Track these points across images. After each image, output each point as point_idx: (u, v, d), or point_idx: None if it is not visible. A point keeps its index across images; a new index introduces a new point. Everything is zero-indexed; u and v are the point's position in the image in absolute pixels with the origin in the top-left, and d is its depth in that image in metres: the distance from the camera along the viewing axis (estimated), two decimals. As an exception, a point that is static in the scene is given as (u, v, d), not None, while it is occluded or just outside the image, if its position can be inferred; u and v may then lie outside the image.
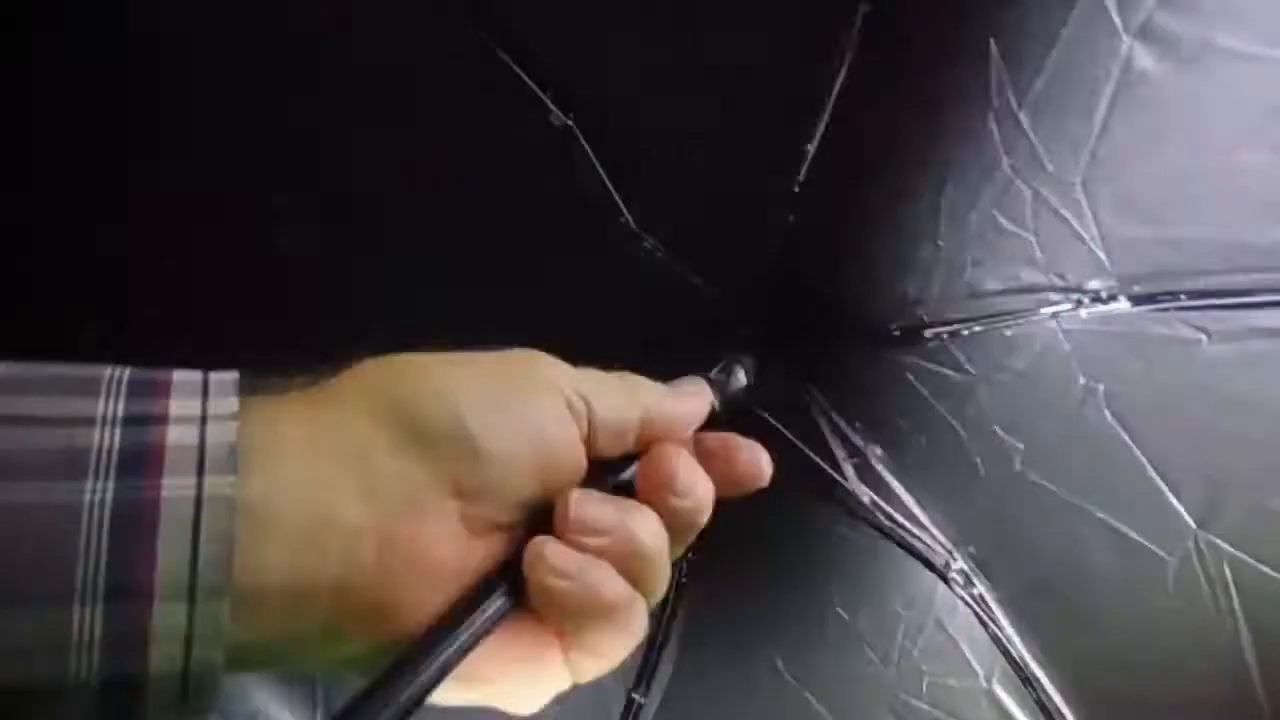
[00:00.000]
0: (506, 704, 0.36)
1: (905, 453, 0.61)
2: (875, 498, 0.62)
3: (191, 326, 0.54)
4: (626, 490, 0.36)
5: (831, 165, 0.56)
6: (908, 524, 0.62)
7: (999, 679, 0.62)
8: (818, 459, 0.62)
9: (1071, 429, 0.56)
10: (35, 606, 0.26)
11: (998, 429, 0.58)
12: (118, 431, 0.28)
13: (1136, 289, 0.52)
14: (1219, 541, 0.54)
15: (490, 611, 0.33)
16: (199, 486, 0.27)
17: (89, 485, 0.27)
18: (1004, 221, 0.54)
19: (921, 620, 0.64)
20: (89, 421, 0.27)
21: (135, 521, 0.26)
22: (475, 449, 0.32)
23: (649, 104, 0.59)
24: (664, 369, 0.45)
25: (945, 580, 0.62)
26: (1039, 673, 0.61)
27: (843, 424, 0.62)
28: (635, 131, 0.60)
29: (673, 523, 0.37)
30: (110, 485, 0.27)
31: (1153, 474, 0.54)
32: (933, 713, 0.64)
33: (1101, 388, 0.55)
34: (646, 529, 0.35)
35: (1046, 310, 0.54)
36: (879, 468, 0.62)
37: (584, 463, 0.36)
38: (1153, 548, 0.55)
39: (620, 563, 0.34)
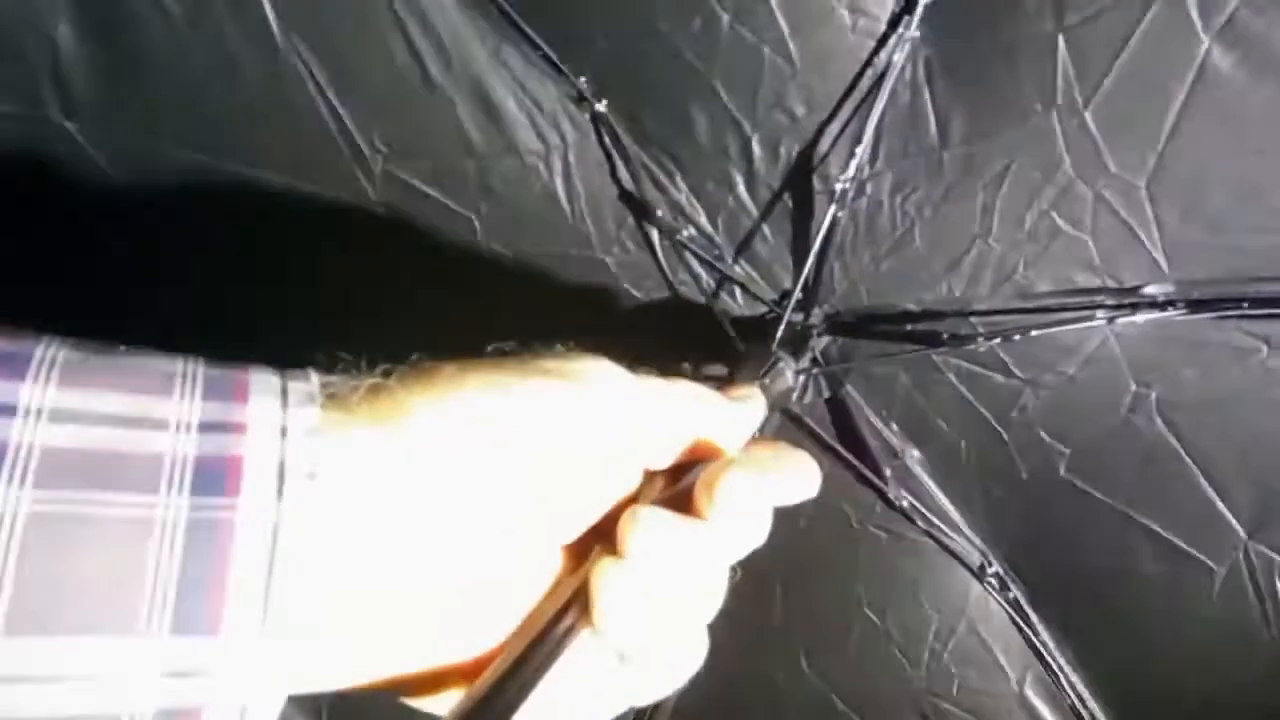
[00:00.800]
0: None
1: (945, 455, 0.60)
2: (912, 500, 0.61)
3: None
4: (681, 502, 0.35)
5: (880, 160, 0.55)
6: (944, 526, 0.61)
7: (1032, 684, 0.62)
8: (853, 459, 0.61)
9: (1120, 435, 0.55)
10: (90, 634, 0.24)
11: (1043, 433, 0.57)
12: (192, 439, 0.26)
13: (1195, 294, 0.51)
14: (1269, 552, 0.53)
15: (561, 637, 0.32)
16: (277, 511, 0.26)
17: (161, 500, 0.25)
18: (1061, 222, 0.52)
19: (954, 623, 0.63)
20: (161, 424, 0.26)
21: (207, 547, 0.25)
22: (538, 475, 0.32)
23: (680, 93, 0.57)
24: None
25: (981, 582, 0.61)
26: (1074, 679, 0.61)
27: (880, 425, 0.61)
28: (671, 119, 0.58)
29: (729, 541, 0.36)
30: (184, 502, 0.25)
31: (1203, 482, 0.54)
32: (963, 716, 0.64)
33: (1153, 394, 0.54)
34: (708, 549, 0.34)
35: (1100, 314, 0.53)
36: (916, 470, 0.61)
37: (639, 478, 0.35)
38: (1200, 556, 0.55)
39: (683, 584, 0.33)
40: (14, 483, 0.23)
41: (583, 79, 0.57)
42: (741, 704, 0.69)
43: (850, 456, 0.61)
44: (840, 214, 0.55)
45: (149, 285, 0.61)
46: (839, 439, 0.61)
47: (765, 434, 0.46)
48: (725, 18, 0.53)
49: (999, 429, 0.58)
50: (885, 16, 0.52)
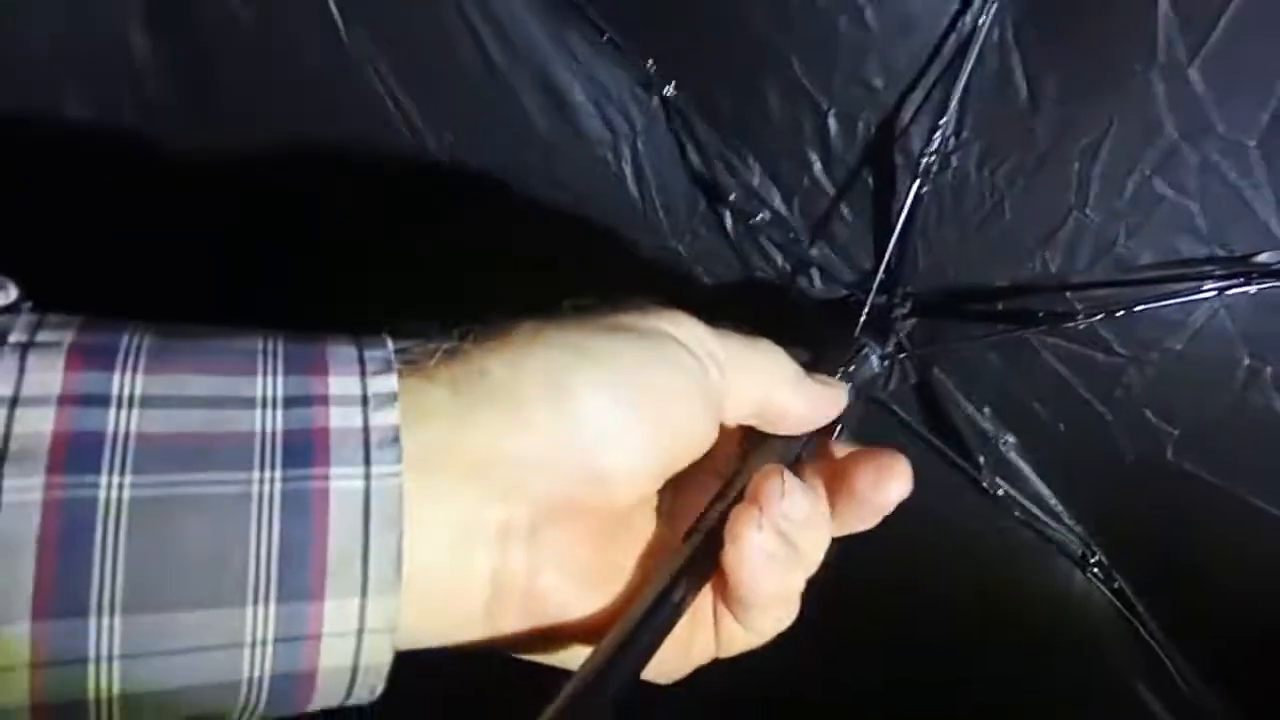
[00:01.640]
0: (651, 674, 0.34)
1: (1043, 441, 0.57)
2: (1008, 488, 0.58)
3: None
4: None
5: (967, 130, 0.52)
6: (1042, 514, 0.59)
7: (1142, 678, 0.59)
8: (946, 448, 0.58)
9: (1232, 413, 0.52)
10: (207, 606, 0.25)
11: (1149, 413, 0.54)
12: (279, 414, 0.27)
13: (1315, 261, 0.48)
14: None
15: (687, 587, 0.33)
16: (366, 476, 0.27)
17: (256, 475, 0.26)
18: (1164, 189, 0.49)
19: (1057, 617, 0.60)
20: (249, 402, 0.27)
21: (303, 515, 0.26)
22: (619, 438, 0.32)
23: (751, 70, 0.55)
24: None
25: (1085, 573, 0.58)
26: (1188, 673, 0.57)
27: (973, 411, 0.58)
28: (742, 98, 0.56)
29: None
30: (277, 475, 0.26)
31: (1329, 461, 0.50)
32: (1069, 713, 0.61)
33: (1269, 369, 0.50)
34: (827, 523, 0.36)
35: (1210, 285, 0.49)
36: (1012, 457, 0.58)
37: (713, 437, 0.36)
38: None
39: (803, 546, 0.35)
40: (114, 471, 0.25)
41: (649, 62, 0.56)
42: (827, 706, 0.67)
43: (942, 444, 0.58)
44: (924, 189, 0.52)
45: (228, 279, 0.61)
46: (929, 426, 0.59)
47: (851, 422, 0.44)
48: (797, -14, 0.51)
49: (1102, 410, 0.54)
50: (970, -27, 0.49)
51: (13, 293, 0.27)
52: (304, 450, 0.27)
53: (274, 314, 0.31)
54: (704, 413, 0.35)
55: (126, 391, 0.26)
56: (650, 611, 0.31)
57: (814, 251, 0.57)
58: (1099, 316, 0.51)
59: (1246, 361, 0.51)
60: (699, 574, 0.33)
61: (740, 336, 0.37)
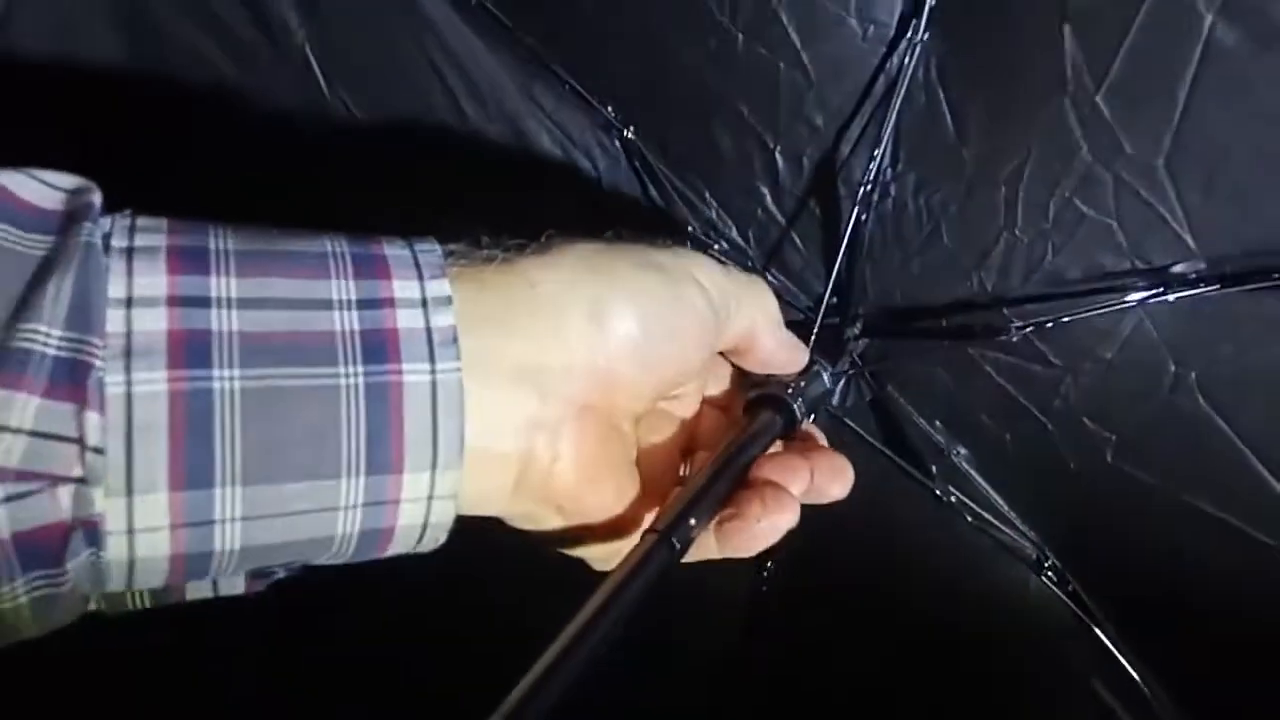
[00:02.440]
0: (594, 556, 0.41)
1: (992, 451, 0.60)
2: (962, 497, 0.61)
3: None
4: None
5: (902, 162, 0.56)
6: (996, 521, 0.61)
7: (1100, 678, 0.61)
8: (900, 461, 0.61)
9: (1164, 417, 0.55)
10: (309, 479, 0.29)
11: (1087, 420, 0.57)
12: (354, 315, 0.31)
13: (1225, 269, 0.51)
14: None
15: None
16: (432, 372, 0.31)
17: (341, 370, 0.30)
18: (1084, 208, 0.53)
19: (1016, 621, 0.62)
20: (327, 304, 0.31)
21: (384, 404, 0.30)
22: (638, 359, 0.37)
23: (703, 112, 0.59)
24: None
25: (1039, 576, 0.61)
26: (1141, 670, 0.60)
27: (924, 424, 0.61)
28: (696, 139, 0.60)
29: None
30: (359, 370, 0.30)
31: (1253, 459, 0.53)
32: (1035, 716, 0.63)
33: (1193, 373, 0.53)
34: None
35: (1132, 296, 0.53)
36: (964, 467, 0.61)
37: (703, 369, 0.43)
38: (1256, 534, 0.54)
39: None
40: (224, 365, 0.28)
41: (610, 108, 0.60)
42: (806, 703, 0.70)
43: (895, 457, 0.61)
44: (865, 217, 0.56)
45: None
46: (884, 440, 0.62)
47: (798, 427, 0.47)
48: (740, 36, 0.55)
49: (1042, 420, 0.58)
50: (894, 22, 0.54)
51: (98, 195, 0.30)
52: (379, 348, 0.31)
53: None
54: (701, 350, 0.41)
55: (223, 294, 0.29)
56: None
57: (769, 278, 0.61)
58: (1030, 329, 0.54)
59: (1173, 367, 0.54)
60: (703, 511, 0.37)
61: (743, 275, 0.43)
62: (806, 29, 0.54)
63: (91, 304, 0.27)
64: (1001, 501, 0.61)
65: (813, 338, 0.56)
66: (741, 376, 0.48)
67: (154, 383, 0.27)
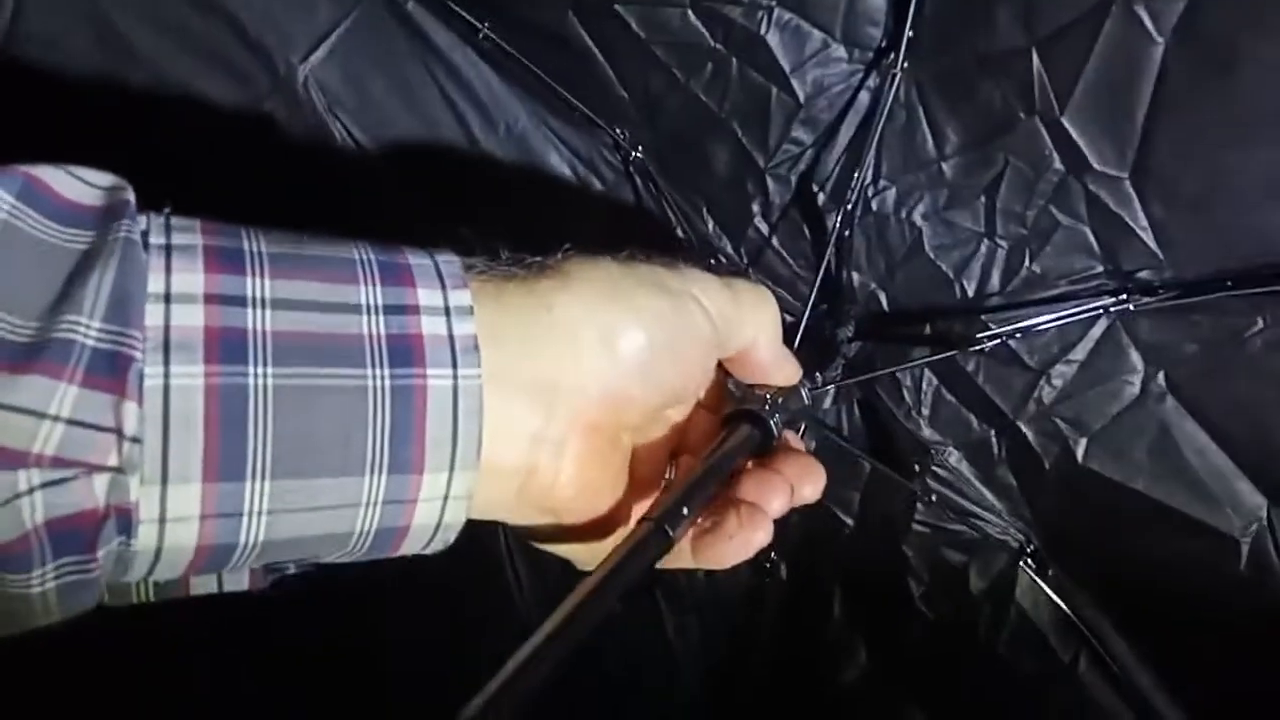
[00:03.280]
0: (578, 558, 0.41)
1: (978, 450, 0.64)
2: (946, 491, 0.65)
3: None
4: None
5: (884, 177, 0.60)
6: (980, 513, 0.65)
7: (1084, 662, 0.64)
8: (881, 466, 0.65)
9: (1134, 418, 0.58)
10: (336, 475, 0.30)
11: (1059, 422, 0.60)
12: (381, 320, 0.32)
13: (1188, 276, 0.54)
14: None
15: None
16: (454, 377, 0.32)
17: (369, 372, 0.31)
18: (1060, 216, 0.56)
19: (1004, 609, 0.66)
20: (356, 309, 0.32)
21: (409, 405, 0.31)
22: (645, 379, 0.38)
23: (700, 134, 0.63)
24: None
25: (1021, 564, 0.64)
26: (1123, 655, 0.62)
27: (913, 426, 0.65)
28: (693, 159, 0.64)
29: None
30: (386, 373, 0.31)
31: (1218, 455, 0.56)
32: (1021, 700, 0.66)
33: (1161, 374, 0.57)
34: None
35: (1103, 301, 0.56)
36: (954, 464, 0.65)
37: (707, 384, 0.43)
38: (1223, 529, 0.56)
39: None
40: (258, 362, 0.29)
41: (616, 129, 0.64)
42: (807, 700, 0.73)
43: (876, 460, 0.65)
44: (848, 230, 0.60)
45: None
46: (874, 442, 0.66)
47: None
48: (734, 62, 0.59)
49: (1019, 421, 0.61)
50: (875, 46, 0.57)
51: (132, 194, 0.30)
52: (405, 353, 0.32)
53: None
54: (704, 366, 0.42)
55: (258, 294, 0.30)
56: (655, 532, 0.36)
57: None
58: (1008, 332, 0.58)
59: (1141, 368, 0.57)
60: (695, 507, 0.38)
61: (748, 290, 0.42)
62: (794, 54, 0.58)
63: (131, 298, 0.28)
64: (990, 496, 0.65)
65: (798, 337, 0.60)
66: (728, 376, 0.52)
67: (192, 376, 0.28)
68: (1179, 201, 0.53)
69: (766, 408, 0.47)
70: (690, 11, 0.59)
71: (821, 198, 0.61)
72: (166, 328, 0.28)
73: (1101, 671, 0.63)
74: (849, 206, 0.58)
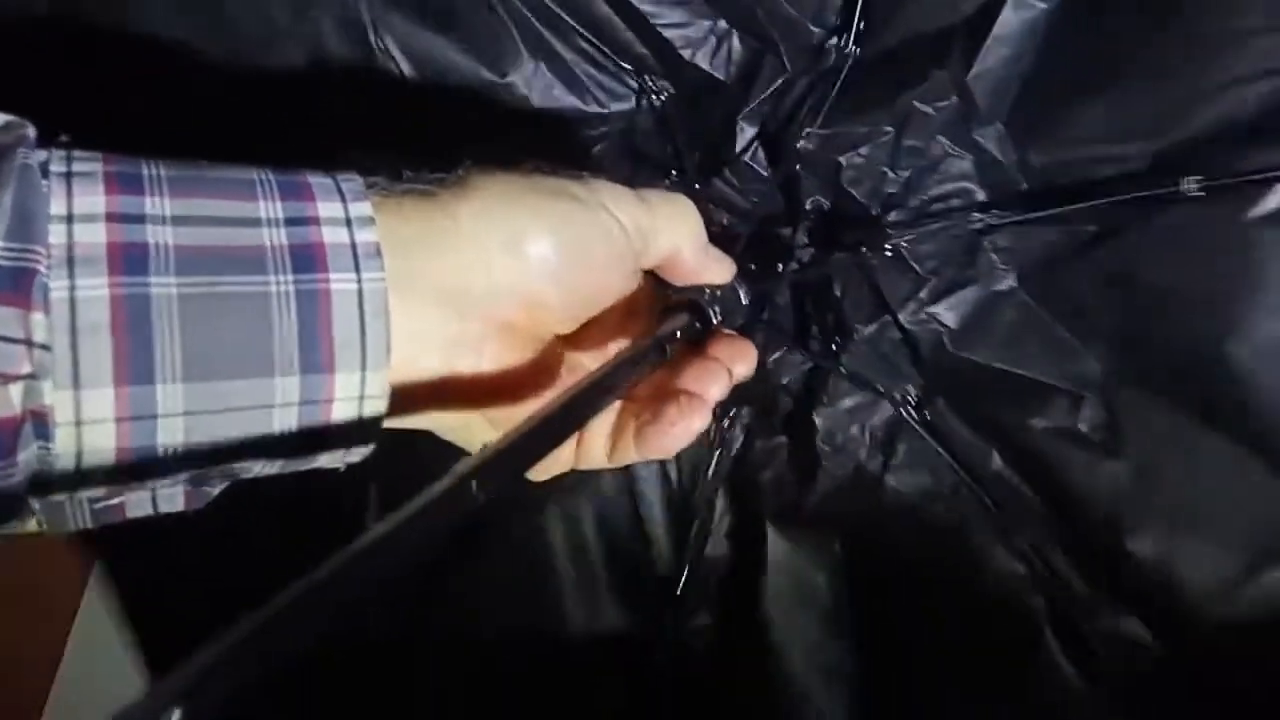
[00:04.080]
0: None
1: (881, 337, 0.81)
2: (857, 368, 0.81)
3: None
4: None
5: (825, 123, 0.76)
6: (876, 380, 0.81)
7: (964, 490, 0.77)
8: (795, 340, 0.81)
9: (994, 310, 0.76)
10: (246, 377, 0.31)
11: (935, 315, 0.78)
12: (282, 231, 0.32)
13: (1039, 195, 0.71)
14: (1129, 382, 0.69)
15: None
16: (358, 281, 0.33)
17: (272, 279, 0.31)
18: (950, 150, 0.74)
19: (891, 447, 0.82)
20: (256, 222, 0.32)
21: (313, 308, 0.32)
22: (557, 283, 0.39)
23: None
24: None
25: (904, 411, 0.79)
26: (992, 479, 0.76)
27: (829, 317, 0.81)
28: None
29: None
30: (290, 279, 0.32)
31: (1064, 335, 0.72)
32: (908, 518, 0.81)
33: (1015, 274, 0.74)
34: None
35: (978, 216, 0.74)
36: (860, 342, 0.81)
37: (628, 290, 0.43)
38: (1073, 389, 0.71)
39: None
40: (161, 273, 0.29)
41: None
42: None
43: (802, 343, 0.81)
44: (797, 164, 0.77)
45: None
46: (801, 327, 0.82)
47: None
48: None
49: (898, 316, 0.78)
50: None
51: (32, 130, 0.30)
52: (307, 260, 0.32)
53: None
54: (621, 272, 0.42)
55: (158, 211, 0.30)
56: (566, 407, 0.36)
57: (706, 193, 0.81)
58: (904, 243, 0.76)
59: (1001, 269, 0.75)
60: (605, 390, 0.38)
61: (661, 195, 0.43)
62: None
63: (33, 216, 0.28)
64: (883, 372, 0.81)
65: (742, 243, 0.75)
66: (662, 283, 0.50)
67: (96, 288, 0.28)
68: (1040, 141, 0.70)
69: (705, 297, 0.48)
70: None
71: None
72: (70, 245, 0.28)
73: (974, 496, 0.77)
74: (798, 144, 0.75)
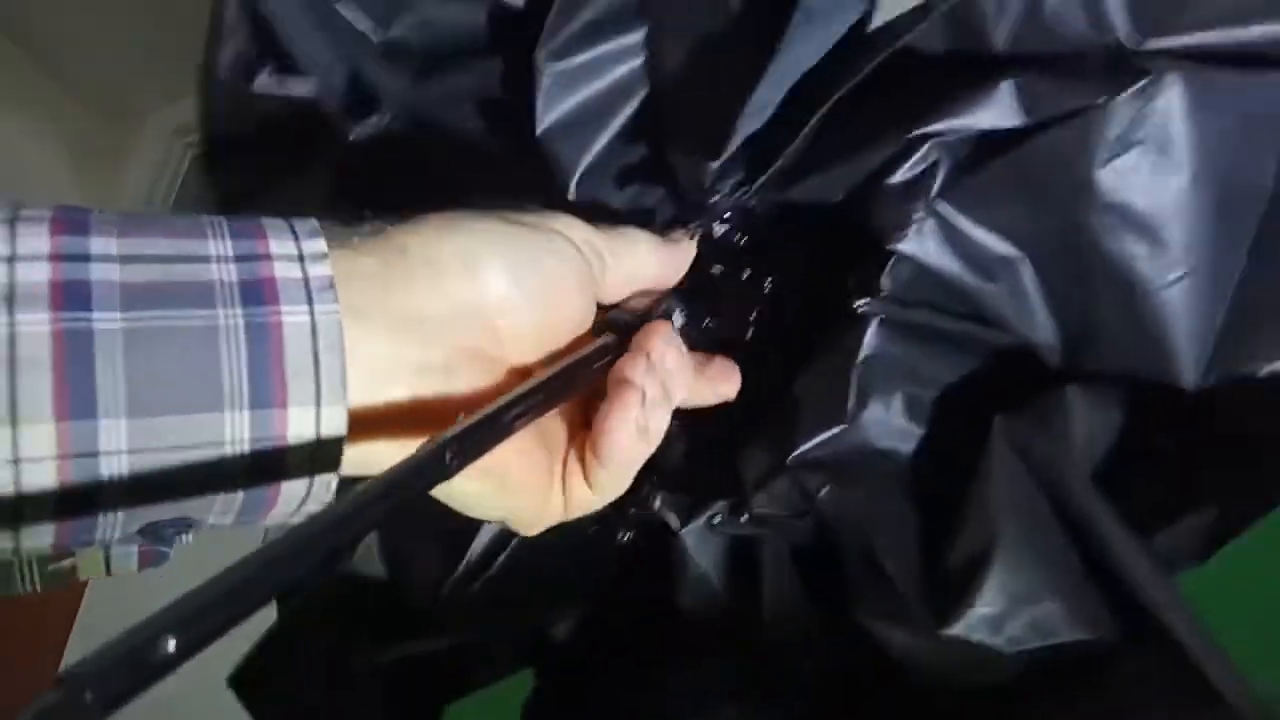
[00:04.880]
0: (519, 518, 0.42)
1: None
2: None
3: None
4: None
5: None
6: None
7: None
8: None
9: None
10: (193, 411, 0.30)
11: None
12: (232, 268, 0.32)
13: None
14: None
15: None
16: (311, 313, 0.32)
17: (221, 312, 0.31)
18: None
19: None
20: (206, 259, 0.32)
21: (264, 341, 0.31)
22: (515, 309, 0.39)
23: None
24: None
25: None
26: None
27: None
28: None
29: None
30: (239, 311, 0.31)
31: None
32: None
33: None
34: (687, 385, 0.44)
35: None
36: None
37: (589, 319, 0.43)
38: None
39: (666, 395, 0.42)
40: (104, 309, 0.29)
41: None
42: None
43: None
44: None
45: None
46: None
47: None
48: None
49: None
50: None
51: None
52: (257, 293, 0.31)
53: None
54: (582, 297, 0.42)
55: (104, 250, 0.30)
56: (488, 418, 0.35)
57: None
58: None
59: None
60: (548, 397, 0.38)
61: (612, 229, 0.44)
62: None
63: None
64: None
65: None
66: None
67: (37, 324, 0.28)
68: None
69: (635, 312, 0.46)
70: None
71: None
72: (11, 284, 0.28)
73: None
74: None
